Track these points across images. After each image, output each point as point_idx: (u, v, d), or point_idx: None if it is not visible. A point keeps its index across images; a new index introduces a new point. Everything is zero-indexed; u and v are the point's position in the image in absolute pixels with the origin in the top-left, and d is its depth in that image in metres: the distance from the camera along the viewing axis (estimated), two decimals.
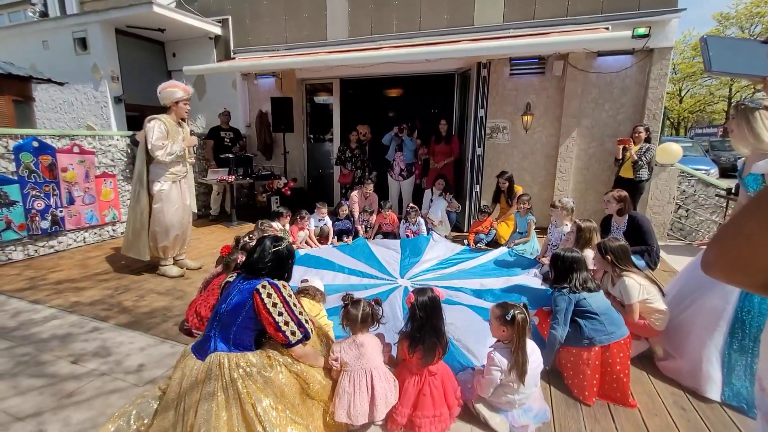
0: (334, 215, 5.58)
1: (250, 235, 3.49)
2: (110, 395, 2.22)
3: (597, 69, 5.79)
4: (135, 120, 7.08)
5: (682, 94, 24.78)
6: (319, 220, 5.30)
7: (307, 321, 1.76)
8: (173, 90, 3.83)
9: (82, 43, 6.84)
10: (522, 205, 5.03)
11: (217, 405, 1.60)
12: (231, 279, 1.90)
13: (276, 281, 1.77)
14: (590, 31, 5.28)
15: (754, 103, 2.11)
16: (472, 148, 5.77)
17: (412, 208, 5.53)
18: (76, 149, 4.82)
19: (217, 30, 7.37)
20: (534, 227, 4.96)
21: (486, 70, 5.58)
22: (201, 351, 1.70)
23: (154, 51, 7.75)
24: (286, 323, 1.68)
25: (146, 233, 3.93)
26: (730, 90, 21.33)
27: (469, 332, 2.65)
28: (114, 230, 5.43)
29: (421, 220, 5.53)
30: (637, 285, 2.53)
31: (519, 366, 1.87)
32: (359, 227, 5.59)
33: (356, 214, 5.80)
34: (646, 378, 2.45)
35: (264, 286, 1.71)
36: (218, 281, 2.90)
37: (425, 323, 1.94)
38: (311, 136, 8.07)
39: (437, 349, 1.94)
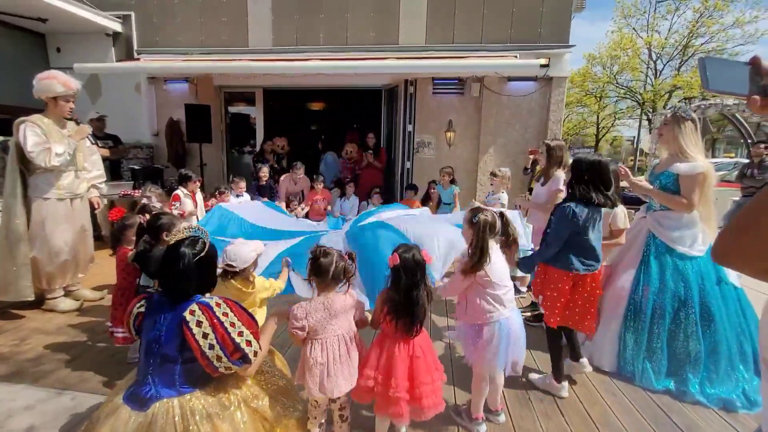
0: (254, 180, 5.27)
1: (145, 198, 3.25)
2: None
3: (508, 92, 6.42)
4: (5, 123, 5.79)
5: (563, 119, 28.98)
6: (237, 195, 5.03)
7: (249, 341, 1.49)
8: (50, 83, 3.17)
9: None
10: (444, 177, 4.99)
11: None
12: (142, 309, 1.53)
13: (206, 299, 1.49)
14: (502, 57, 5.86)
15: (686, 114, 2.42)
16: (401, 162, 5.93)
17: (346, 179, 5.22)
18: None
19: (116, 26, 6.51)
20: (458, 198, 5.02)
21: (413, 87, 5.83)
22: (137, 400, 1.38)
23: (32, 43, 6.53)
24: (219, 358, 1.42)
25: (27, 266, 3.18)
26: (597, 117, 25.56)
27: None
28: None
29: (355, 198, 5.38)
30: (623, 213, 2.70)
31: (483, 256, 1.86)
32: None
33: (283, 203, 5.33)
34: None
35: (192, 313, 1.43)
36: (122, 255, 2.59)
37: (410, 288, 1.72)
38: (231, 147, 7.53)
39: (422, 318, 1.76)
